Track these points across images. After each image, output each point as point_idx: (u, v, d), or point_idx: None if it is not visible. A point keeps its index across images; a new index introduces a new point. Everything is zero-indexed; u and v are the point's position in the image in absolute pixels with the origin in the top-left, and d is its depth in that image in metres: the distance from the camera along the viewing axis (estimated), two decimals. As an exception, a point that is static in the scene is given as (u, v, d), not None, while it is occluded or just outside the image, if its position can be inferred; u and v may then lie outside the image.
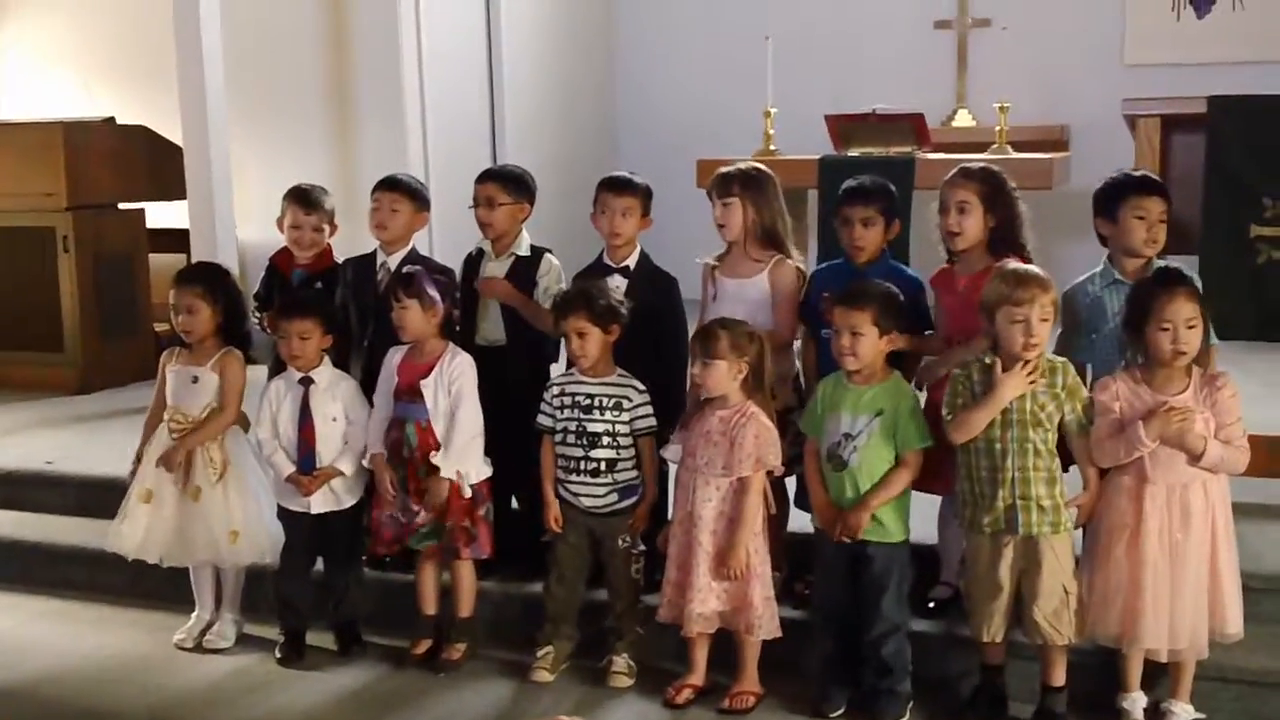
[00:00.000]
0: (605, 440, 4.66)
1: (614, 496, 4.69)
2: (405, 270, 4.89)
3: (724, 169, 4.95)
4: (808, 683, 4.54)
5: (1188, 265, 4.54)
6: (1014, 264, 4.30)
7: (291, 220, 5.42)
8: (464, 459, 4.76)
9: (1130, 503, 4.11)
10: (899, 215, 4.83)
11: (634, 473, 4.70)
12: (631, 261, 5.01)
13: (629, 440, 4.68)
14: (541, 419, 4.77)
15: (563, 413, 4.72)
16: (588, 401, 4.67)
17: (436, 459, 4.73)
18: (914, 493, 4.46)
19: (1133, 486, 4.11)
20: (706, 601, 4.43)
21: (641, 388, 4.69)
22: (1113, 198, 4.57)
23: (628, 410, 4.66)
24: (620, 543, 4.70)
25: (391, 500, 4.82)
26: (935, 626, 4.62)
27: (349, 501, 4.97)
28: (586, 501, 4.70)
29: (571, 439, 4.70)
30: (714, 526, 4.42)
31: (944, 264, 4.73)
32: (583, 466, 4.68)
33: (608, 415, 4.66)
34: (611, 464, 4.66)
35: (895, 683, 4.40)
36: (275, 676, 4.92)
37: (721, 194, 4.85)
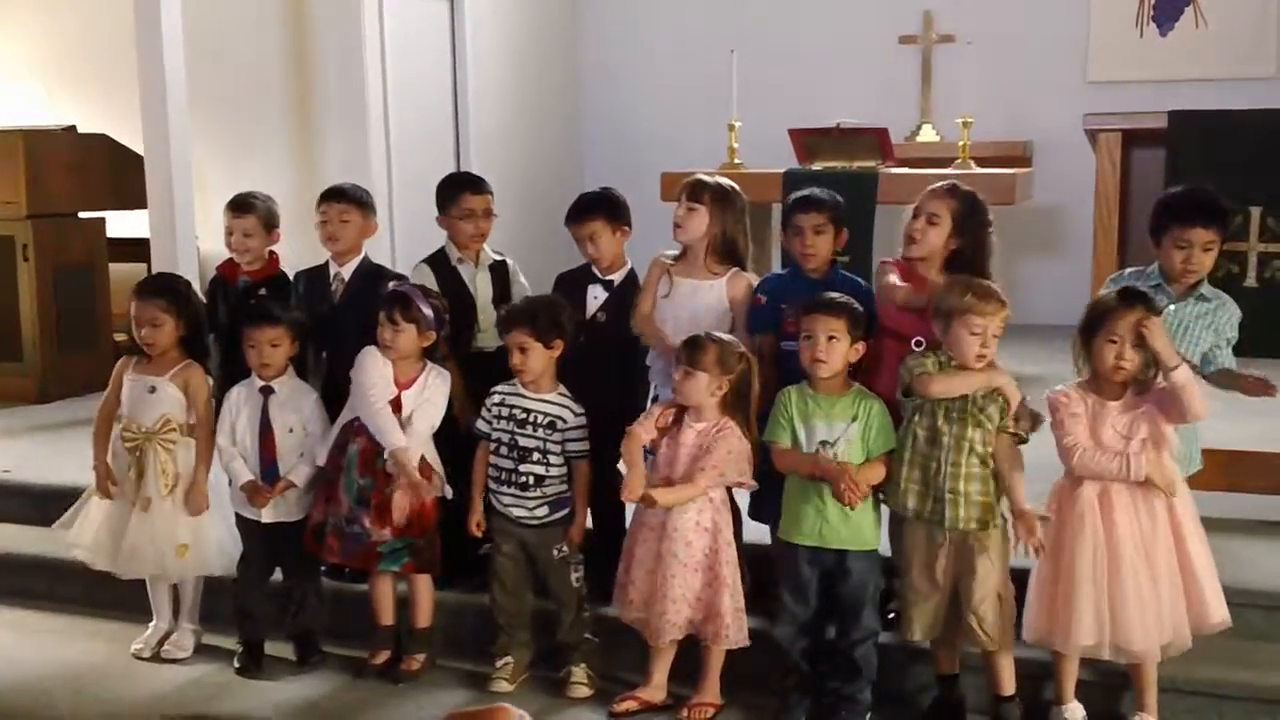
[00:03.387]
0: (535, 456, 4.65)
1: (544, 510, 4.67)
2: (398, 289, 4.85)
3: (699, 176, 4.94)
4: (766, 694, 4.53)
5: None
6: (974, 277, 4.31)
7: (226, 226, 5.42)
8: (426, 444, 4.76)
9: (1098, 512, 4.12)
10: (847, 225, 4.82)
11: (564, 488, 4.69)
12: (618, 276, 5.01)
13: (560, 459, 4.67)
14: (479, 424, 4.77)
15: (498, 422, 4.71)
16: (523, 416, 4.66)
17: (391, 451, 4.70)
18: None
19: (1098, 495, 4.12)
20: (681, 611, 4.41)
21: (579, 410, 4.68)
22: (1160, 220, 4.63)
23: (560, 431, 4.65)
24: (556, 553, 4.68)
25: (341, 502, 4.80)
26: (894, 638, 4.61)
27: (298, 514, 4.94)
28: (516, 512, 4.69)
29: (504, 450, 4.69)
30: (690, 537, 4.40)
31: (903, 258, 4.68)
32: (513, 479, 4.67)
33: (540, 433, 4.65)
34: (540, 479, 4.65)
35: (859, 690, 4.40)
36: (234, 686, 4.89)
37: (691, 197, 4.84)
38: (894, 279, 4.56)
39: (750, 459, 4.42)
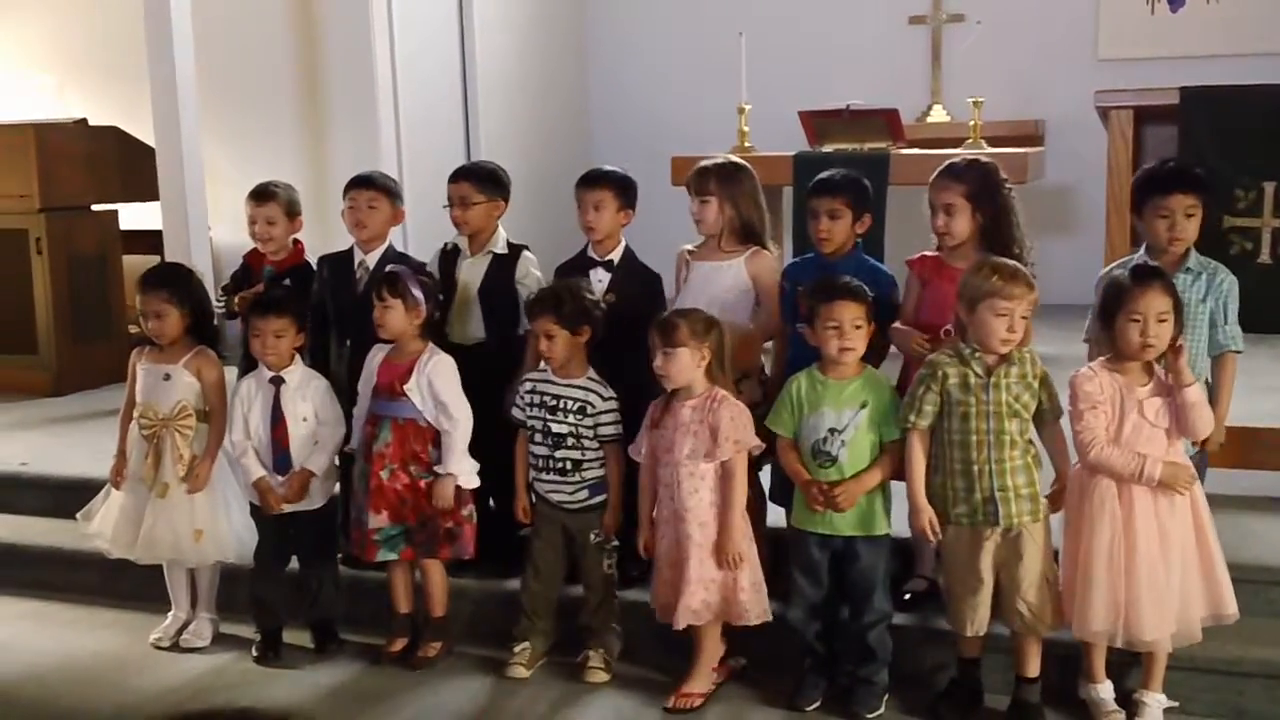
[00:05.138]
0: (570, 442, 4.65)
1: (584, 493, 4.68)
2: (389, 269, 4.87)
3: (702, 164, 4.93)
4: (783, 676, 4.53)
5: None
6: (1000, 258, 4.28)
7: (248, 215, 5.42)
8: (464, 459, 4.76)
9: (1117, 499, 4.09)
10: (869, 209, 4.80)
11: (603, 471, 4.69)
12: (615, 256, 5.01)
13: (595, 443, 4.66)
14: (514, 412, 4.77)
15: (531, 410, 4.71)
16: (553, 402, 4.66)
17: (439, 467, 4.73)
18: (892, 484, 4.45)
19: (1118, 481, 4.09)
20: (697, 594, 4.39)
21: (608, 394, 4.66)
22: (1139, 194, 4.60)
23: (591, 415, 4.64)
24: (593, 537, 4.68)
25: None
26: (910, 619, 4.62)
27: (319, 501, 4.96)
28: (556, 498, 4.70)
29: (539, 437, 4.69)
30: (704, 517, 4.37)
31: (933, 251, 4.67)
32: (550, 465, 4.68)
33: (571, 419, 4.64)
34: (577, 464, 4.66)
35: (875, 672, 4.40)
36: (252, 675, 4.90)
37: (699, 190, 4.84)
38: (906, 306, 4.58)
39: (750, 419, 4.41)
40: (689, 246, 4.95)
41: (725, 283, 4.77)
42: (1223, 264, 4.64)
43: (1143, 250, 4.62)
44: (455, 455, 4.73)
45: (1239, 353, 4.64)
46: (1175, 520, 4.09)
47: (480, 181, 5.18)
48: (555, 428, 4.66)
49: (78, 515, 5.27)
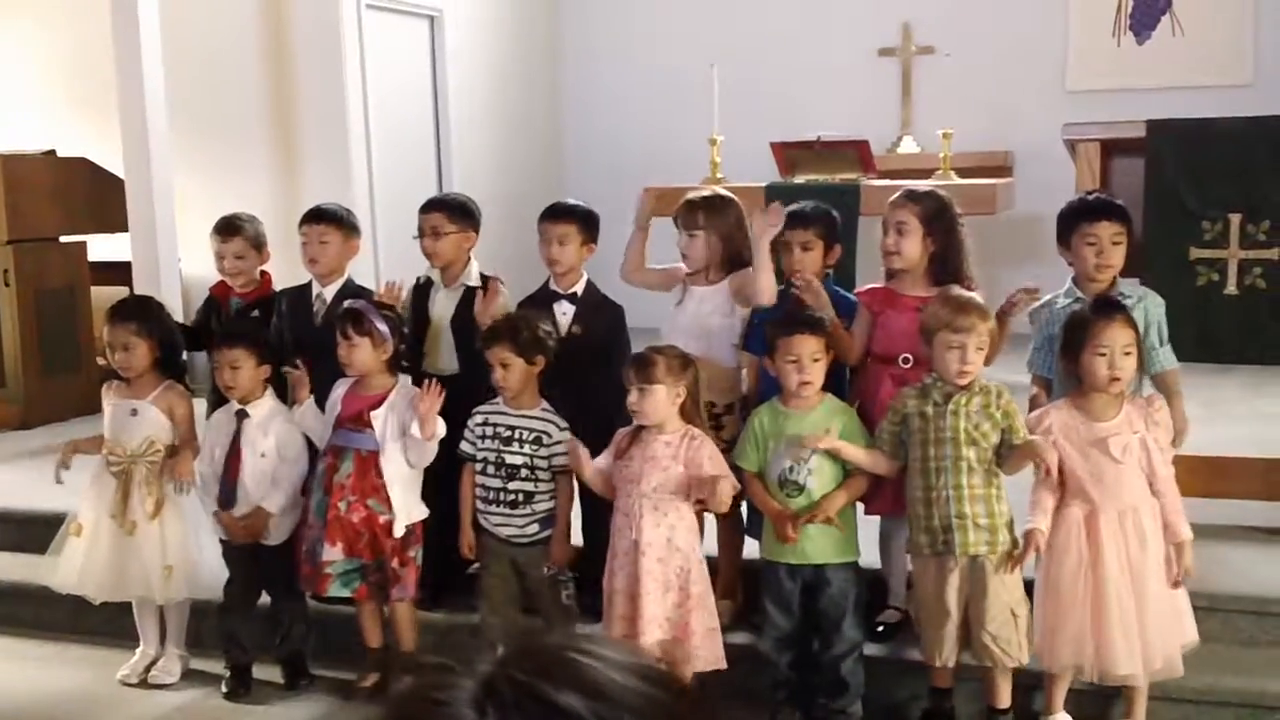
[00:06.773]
0: (523, 473, 4.61)
1: (534, 527, 4.63)
2: (350, 306, 4.83)
3: (689, 197, 4.93)
4: (758, 709, 4.52)
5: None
6: (957, 290, 4.32)
7: (215, 250, 5.42)
8: (415, 474, 4.73)
9: (1084, 533, 4.09)
10: (840, 240, 4.83)
11: (554, 504, 4.65)
12: (579, 289, 5.00)
13: (548, 475, 4.63)
14: (463, 446, 4.72)
15: (483, 442, 4.67)
16: (508, 433, 4.63)
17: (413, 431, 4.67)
18: (862, 514, 4.46)
19: (1084, 517, 4.10)
20: (653, 633, 4.31)
21: (563, 424, 4.63)
22: (1066, 224, 4.60)
23: (547, 446, 4.61)
24: (545, 571, 4.63)
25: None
26: (884, 650, 4.62)
27: (278, 538, 4.90)
28: (506, 532, 4.64)
29: (491, 469, 4.65)
30: (662, 553, 4.33)
31: (883, 282, 4.70)
32: (501, 498, 4.63)
33: (526, 449, 4.61)
34: (529, 496, 4.61)
35: (848, 704, 4.40)
36: (222, 711, 4.86)
37: (687, 225, 4.83)
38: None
39: (721, 456, 4.39)
40: (687, 269, 4.95)
41: (710, 308, 4.78)
42: (1171, 294, 4.66)
43: (1070, 281, 4.64)
44: (426, 454, 4.68)
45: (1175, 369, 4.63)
46: (1147, 555, 4.08)
47: (451, 212, 5.17)
48: (510, 459, 4.62)
49: (48, 551, 5.22)
